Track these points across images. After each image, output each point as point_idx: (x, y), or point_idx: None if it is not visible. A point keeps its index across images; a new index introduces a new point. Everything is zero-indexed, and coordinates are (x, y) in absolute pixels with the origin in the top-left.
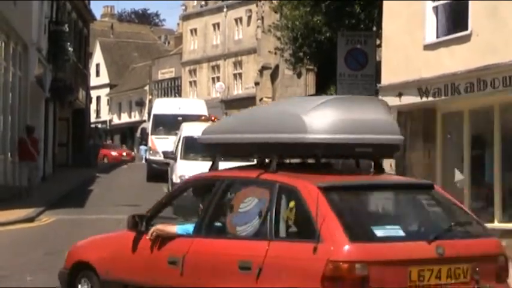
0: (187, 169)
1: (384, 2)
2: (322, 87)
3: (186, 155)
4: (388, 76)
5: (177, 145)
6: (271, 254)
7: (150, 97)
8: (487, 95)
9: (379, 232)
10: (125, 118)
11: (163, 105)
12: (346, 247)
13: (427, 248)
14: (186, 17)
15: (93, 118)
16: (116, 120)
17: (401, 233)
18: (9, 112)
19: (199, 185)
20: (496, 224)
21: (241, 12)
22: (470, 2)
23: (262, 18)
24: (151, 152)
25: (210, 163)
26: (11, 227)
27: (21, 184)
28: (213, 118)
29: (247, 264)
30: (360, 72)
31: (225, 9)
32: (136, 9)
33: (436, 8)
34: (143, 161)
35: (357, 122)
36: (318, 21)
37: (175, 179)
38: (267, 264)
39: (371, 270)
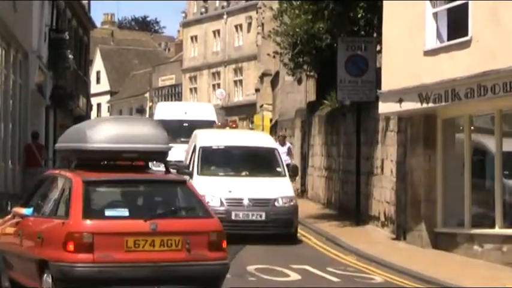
0: (208, 187)
1: (384, 7)
2: (322, 94)
3: (204, 170)
4: (389, 82)
5: (191, 157)
6: (47, 227)
7: (151, 104)
8: (488, 100)
9: (109, 212)
10: None
11: (167, 110)
12: (79, 222)
13: (142, 224)
14: (186, 24)
15: None
16: None
17: (126, 214)
18: (9, 120)
19: (49, 179)
20: (497, 230)
21: (241, 19)
22: (470, 7)
23: (263, 24)
24: (154, 163)
25: (232, 179)
26: None
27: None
28: (230, 124)
29: (39, 235)
30: (360, 79)
31: (225, 16)
32: (137, 16)
33: (436, 14)
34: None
35: (127, 134)
36: (320, 29)
37: None
38: (44, 234)
39: (96, 239)
